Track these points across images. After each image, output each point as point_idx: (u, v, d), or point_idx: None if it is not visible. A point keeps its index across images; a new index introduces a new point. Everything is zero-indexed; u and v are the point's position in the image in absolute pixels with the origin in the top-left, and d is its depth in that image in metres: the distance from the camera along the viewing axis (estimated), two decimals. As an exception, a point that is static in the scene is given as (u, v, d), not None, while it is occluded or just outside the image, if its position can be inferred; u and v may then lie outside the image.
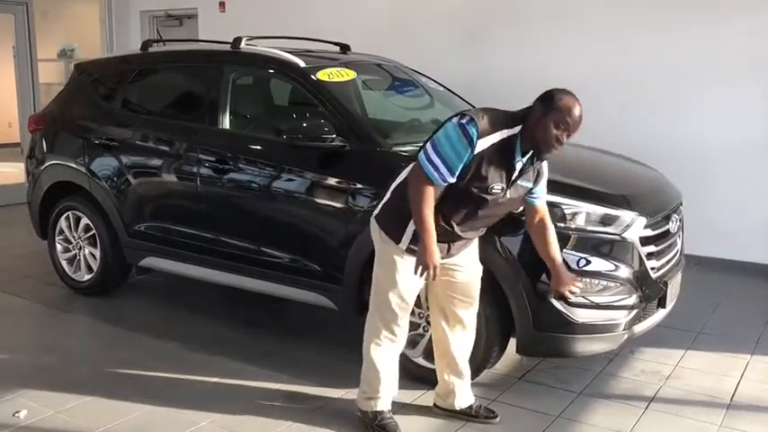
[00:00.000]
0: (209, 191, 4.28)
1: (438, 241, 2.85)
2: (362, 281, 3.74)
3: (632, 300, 3.43)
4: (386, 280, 3.06)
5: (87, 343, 4.34)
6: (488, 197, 2.87)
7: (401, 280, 3.03)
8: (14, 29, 8.17)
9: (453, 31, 6.86)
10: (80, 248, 5.05)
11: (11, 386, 3.58)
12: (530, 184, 2.99)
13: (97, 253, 4.93)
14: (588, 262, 3.33)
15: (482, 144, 2.76)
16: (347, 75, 4.30)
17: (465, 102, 5.02)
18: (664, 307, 3.68)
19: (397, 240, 2.99)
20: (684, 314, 4.33)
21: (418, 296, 3.54)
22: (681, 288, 3.91)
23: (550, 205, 3.27)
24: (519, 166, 2.87)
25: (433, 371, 3.53)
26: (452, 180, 2.80)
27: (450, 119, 2.84)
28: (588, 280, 3.34)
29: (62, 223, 5.11)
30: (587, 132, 5.68)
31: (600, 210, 3.42)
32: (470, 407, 3.36)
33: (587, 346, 3.41)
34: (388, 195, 3.11)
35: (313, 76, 4.11)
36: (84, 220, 4.96)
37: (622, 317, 3.42)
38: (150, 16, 9.20)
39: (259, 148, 4.22)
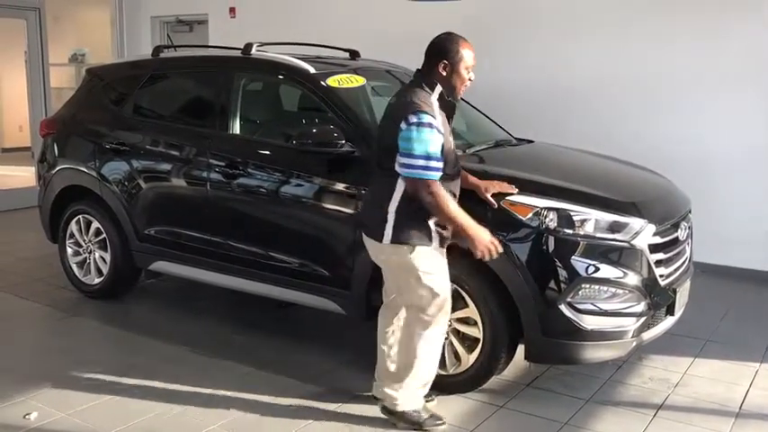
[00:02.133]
0: (219, 195, 4.31)
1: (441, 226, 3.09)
2: (371, 286, 3.77)
3: (641, 307, 3.43)
4: (426, 277, 3.11)
5: (97, 346, 4.36)
6: (452, 151, 3.17)
7: (439, 272, 3.16)
8: (26, 34, 8.23)
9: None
10: (90, 252, 5.08)
11: (21, 389, 3.61)
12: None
13: (107, 257, 4.96)
14: (597, 269, 3.33)
15: (437, 117, 3.04)
16: (357, 81, 4.32)
17: (474, 108, 5.04)
18: (672, 314, 3.68)
19: (429, 240, 3.10)
20: (693, 322, 4.33)
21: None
22: (689, 296, 3.90)
23: (560, 211, 3.32)
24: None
25: (443, 376, 3.56)
26: (441, 163, 3.00)
27: (404, 124, 2.97)
28: (597, 287, 3.35)
29: (73, 227, 5.14)
30: (594, 138, 5.83)
31: (609, 217, 3.42)
32: None
33: (596, 353, 3.41)
34: (393, 217, 3.08)
35: (323, 82, 4.13)
36: (95, 224, 4.99)
37: (631, 324, 3.42)
38: (161, 22, 9.26)
39: (269, 153, 4.25)
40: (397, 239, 3.09)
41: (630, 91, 6.12)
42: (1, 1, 8.01)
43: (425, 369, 3.27)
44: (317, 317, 4.36)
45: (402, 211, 3.07)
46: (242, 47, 4.54)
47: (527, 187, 3.48)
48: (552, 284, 3.33)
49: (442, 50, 3.11)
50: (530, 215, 3.36)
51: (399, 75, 4.98)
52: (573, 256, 3.32)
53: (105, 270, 4.99)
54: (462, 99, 5.03)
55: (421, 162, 2.94)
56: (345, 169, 3.86)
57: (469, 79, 3.16)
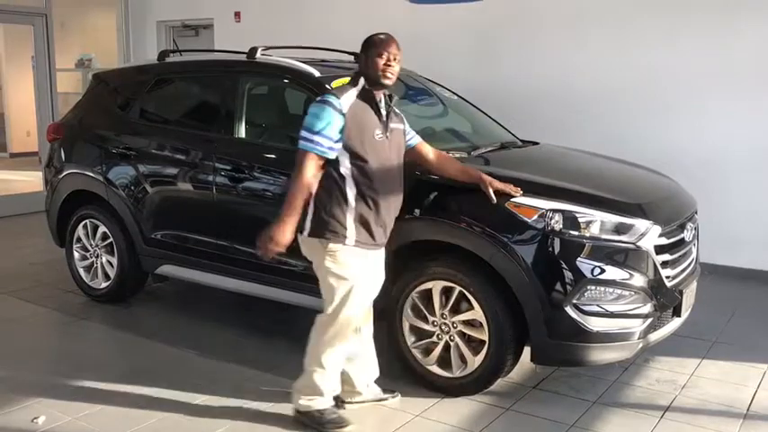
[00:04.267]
0: (224, 199, 4.32)
1: (366, 228, 3.12)
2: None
3: (647, 308, 3.43)
4: (342, 279, 3.13)
5: (104, 350, 4.38)
6: (377, 143, 3.15)
7: (359, 275, 3.16)
8: (33, 39, 8.27)
9: (468, 41, 6.89)
10: (97, 256, 5.10)
11: (29, 392, 3.62)
12: (402, 125, 3.36)
13: (114, 261, 4.98)
14: (603, 270, 3.33)
15: (346, 102, 3.10)
16: (361, 84, 4.32)
17: (479, 110, 5.05)
18: (679, 316, 3.67)
19: (344, 238, 3.10)
20: (699, 323, 4.32)
21: (432, 303, 3.58)
22: (696, 297, 3.89)
23: (565, 213, 3.33)
24: (384, 109, 3.23)
25: (449, 378, 3.57)
26: (335, 146, 3.06)
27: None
28: (603, 288, 3.34)
29: (80, 231, 5.16)
30: (600, 139, 5.82)
31: (614, 218, 3.42)
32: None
33: (602, 354, 3.41)
34: (312, 209, 3.13)
35: (327, 86, 4.13)
36: (102, 229, 5.01)
37: (637, 326, 3.41)
38: (167, 26, 9.29)
39: (274, 157, 4.25)
40: (313, 233, 3.13)
41: (637, 92, 6.12)
42: (8, 7, 8.06)
43: (325, 380, 3.24)
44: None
45: (319, 200, 3.10)
46: (247, 51, 4.56)
47: (532, 189, 3.47)
48: (558, 286, 3.33)
49: (362, 49, 3.25)
50: (535, 217, 3.36)
51: (404, 77, 4.99)
52: (578, 258, 3.32)
53: (112, 274, 5.01)
54: (467, 101, 5.09)
55: (306, 134, 3.05)
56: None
57: (386, 63, 3.15)
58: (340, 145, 3.08)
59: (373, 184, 3.13)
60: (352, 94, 3.16)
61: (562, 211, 3.36)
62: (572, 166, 4.23)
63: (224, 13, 8.49)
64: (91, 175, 5.00)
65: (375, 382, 3.54)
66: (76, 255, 5.21)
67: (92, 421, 3.35)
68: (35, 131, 8.86)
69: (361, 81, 3.21)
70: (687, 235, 3.75)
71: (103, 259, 5.06)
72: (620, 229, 3.42)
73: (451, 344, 3.58)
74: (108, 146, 4.93)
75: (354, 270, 3.14)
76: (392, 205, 3.25)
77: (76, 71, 11.58)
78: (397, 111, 3.36)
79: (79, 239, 5.18)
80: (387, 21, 7.25)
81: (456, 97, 5.09)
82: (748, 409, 3.55)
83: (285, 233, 3.03)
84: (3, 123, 12.49)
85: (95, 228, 5.07)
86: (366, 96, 3.18)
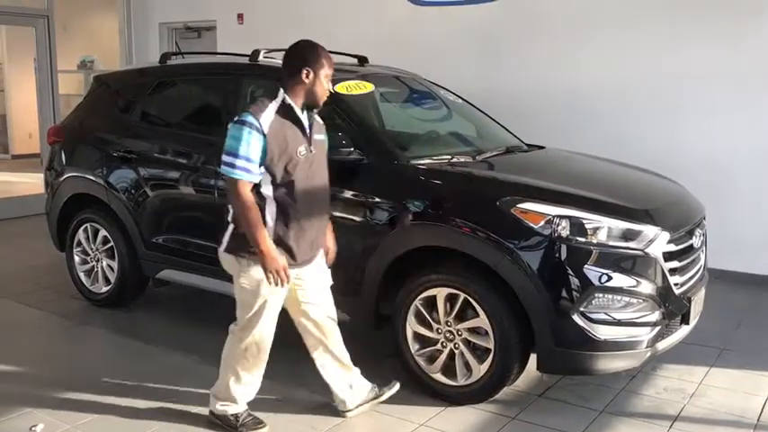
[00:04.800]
0: (226, 203, 4.25)
1: (285, 248, 3.03)
2: (380, 294, 3.73)
3: (655, 316, 3.37)
4: (255, 296, 3.09)
5: (104, 356, 4.33)
6: (300, 160, 3.02)
7: (273, 293, 3.09)
8: (35, 41, 8.23)
9: (471, 43, 6.83)
10: (98, 260, 5.05)
11: (28, 400, 3.58)
12: (323, 136, 3.23)
13: (115, 265, 4.93)
14: (610, 278, 3.27)
15: (265, 120, 2.92)
16: (365, 87, 4.28)
17: (484, 114, 4.99)
18: (687, 323, 3.61)
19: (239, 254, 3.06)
20: (707, 330, 4.26)
21: (436, 310, 3.53)
22: (704, 304, 3.83)
23: (572, 219, 3.27)
24: (306, 121, 3.08)
25: (454, 387, 3.52)
26: (257, 169, 2.93)
27: (230, 122, 2.95)
28: (611, 296, 3.29)
29: (80, 235, 5.11)
30: (605, 143, 5.77)
31: (622, 224, 3.36)
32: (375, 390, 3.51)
33: (609, 363, 3.35)
34: (231, 226, 3.08)
35: (331, 89, 4.08)
36: (102, 232, 4.96)
37: (645, 334, 3.35)
38: (169, 28, 9.25)
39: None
40: (229, 249, 3.08)
41: (641, 94, 6.05)
42: (10, 9, 8.03)
43: (238, 388, 3.28)
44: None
45: (238, 219, 3.01)
46: (249, 53, 4.51)
47: (539, 194, 3.43)
48: (565, 294, 3.27)
49: (301, 60, 3.04)
50: (542, 223, 3.30)
51: (408, 81, 4.95)
52: (586, 265, 3.26)
53: (113, 278, 4.96)
54: (471, 104, 5.04)
55: (228, 158, 2.90)
56: (354, 177, 3.81)
57: (329, 90, 3.11)
58: (262, 168, 2.95)
59: (297, 205, 3.03)
60: (272, 110, 2.97)
61: (569, 218, 3.30)
62: (578, 171, 4.18)
63: (227, 14, 8.45)
64: (91, 178, 4.95)
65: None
66: (77, 259, 5.17)
67: (91, 429, 3.31)
68: (37, 133, 8.83)
69: (281, 94, 3.02)
70: (695, 241, 3.69)
71: (104, 263, 5.02)
72: (628, 236, 3.36)
73: (456, 352, 3.53)
74: (109, 149, 4.88)
75: (268, 289, 3.04)
76: (319, 220, 3.19)
77: (79, 73, 11.60)
78: (318, 119, 3.22)
79: (80, 243, 5.14)
80: (389, 22, 7.24)
81: (460, 101, 5.04)
82: (759, 419, 3.48)
83: (271, 256, 2.94)
84: (5, 125, 12.47)
85: (96, 232, 5.02)
86: (286, 112, 3.00)
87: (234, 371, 3.25)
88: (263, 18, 8.17)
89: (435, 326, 3.58)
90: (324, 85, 3.06)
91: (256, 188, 2.98)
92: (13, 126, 12.30)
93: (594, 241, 3.31)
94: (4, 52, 12.21)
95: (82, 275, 5.15)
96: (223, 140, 2.96)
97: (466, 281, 3.45)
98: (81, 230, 5.10)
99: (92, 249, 5.07)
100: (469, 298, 3.44)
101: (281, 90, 3.04)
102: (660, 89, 5.98)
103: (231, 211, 3.06)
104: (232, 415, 3.30)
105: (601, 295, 3.27)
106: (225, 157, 2.92)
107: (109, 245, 4.95)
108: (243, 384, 3.28)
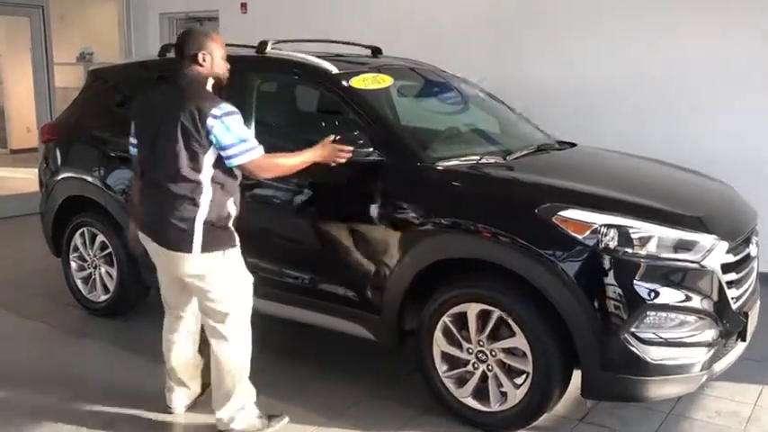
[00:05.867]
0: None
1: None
2: (403, 309, 3.40)
3: (712, 335, 3.04)
4: (241, 288, 3.16)
5: (100, 372, 3.97)
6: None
7: (247, 278, 3.20)
8: (30, 32, 7.87)
9: (482, 35, 6.43)
10: (95, 267, 4.72)
11: (23, 420, 3.34)
12: None
13: (114, 272, 4.60)
14: (663, 294, 2.92)
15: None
16: (384, 81, 3.93)
17: (505, 105, 4.64)
18: (744, 340, 3.27)
19: (234, 244, 3.11)
20: (756, 343, 3.89)
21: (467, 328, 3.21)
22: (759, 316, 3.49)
23: (620, 228, 2.94)
24: None
25: (487, 413, 3.21)
26: None
27: (209, 117, 2.90)
28: (664, 314, 2.94)
29: (77, 240, 4.78)
30: (625, 140, 5.39)
31: (674, 233, 3.01)
32: None
33: (661, 389, 3.01)
34: (201, 228, 3.00)
35: (346, 83, 3.74)
36: (100, 238, 4.63)
37: (701, 355, 3.02)
38: (170, 18, 8.89)
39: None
40: (210, 247, 3.03)
41: (665, 89, 5.66)
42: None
43: (250, 394, 3.27)
44: (343, 341, 3.95)
45: (211, 216, 3.01)
46: (256, 45, 4.16)
47: (582, 201, 3.08)
48: (612, 312, 2.93)
49: (197, 45, 3.09)
50: (586, 233, 2.96)
51: (425, 72, 4.59)
52: (636, 280, 2.92)
53: (112, 286, 4.64)
54: (495, 98, 4.68)
55: (249, 143, 3.00)
56: (372, 179, 3.48)
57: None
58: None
59: (237, 188, 3.14)
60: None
61: (617, 227, 2.96)
62: (619, 173, 3.83)
63: (230, 3, 8.07)
64: (88, 179, 4.62)
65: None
66: (73, 265, 4.83)
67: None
68: (35, 127, 8.48)
69: (210, 81, 3.13)
70: (753, 250, 3.35)
71: (102, 270, 4.68)
72: (682, 246, 3.02)
73: (489, 374, 3.20)
74: (106, 148, 4.55)
75: (244, 268, 3.18)
76: None
77: (77, 65, 11.24)
78: None
79: (76, 249, 4.80)
80: (401, 12, 6.87)
81: (482, 93, 4.68)
82: (824, 448, 3.15)
83: (319, 150, 3.24)
84: (3, 119, 12.15)
85: (93, 236, 4.69)
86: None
87: (245, 376, 3.21)
88: (268, 7, 7.79)
89: (466, 345, 3.25)
90: (224, 66, 3.18)
91: (220, 180, 3.02)
92: (11, 120, 11.96)
93: (643, 253, 2.96)
94: (3, 44, 11.88)
95: (79, 283, 4.82)
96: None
97: (501, 296, 3.11)
98: (77, 235, 4.77)
99: (89, 255, 4.73)
100: (504, 315, 3.10)
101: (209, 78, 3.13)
102: (679, 82, 5.58)
103: (199, 211, 2.99)
104: (258, 417, 3.24)
105: (653, 313, 2.93)
106: (246, 144, 2.97)
107: (107, 251, 4.62)
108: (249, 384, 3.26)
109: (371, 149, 3.41)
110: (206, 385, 3.47)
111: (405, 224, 3.35)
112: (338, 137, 3.38)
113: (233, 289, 3.12)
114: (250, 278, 3.22)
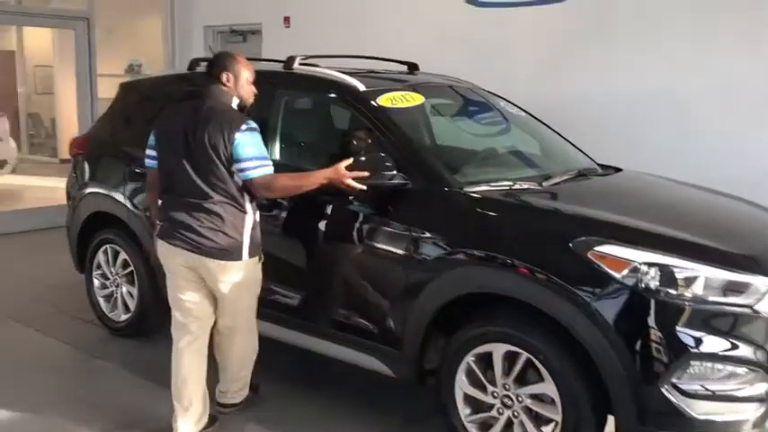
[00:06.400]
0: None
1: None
2: (425, 345, 3.17)
3: (765, 389, 2.71)
4: (258, 287, 3.36)
5: (114, 398, 3.81)
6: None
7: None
8: (74, 44, 7.91)
9: (534, 49, 6.15)
10: (117, 285, 4.61)
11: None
12: None
13: (135, 291, 4.48)
14: (711, 342, 2.63)
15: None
16: (413, 99, 3.73)
17: (548, 127, 4.38)
18: (798, 391, 2.93)
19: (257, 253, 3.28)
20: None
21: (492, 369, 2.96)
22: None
23: (663, 267, 2.66)
24: None
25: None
26: None
27: (237, 131, 3.07)
28: (711, 365, 2.64)
29: (100, 257, 4.68)
30: (674, 160, 5.03)
31: (724, 274, 2.71)
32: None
33: (706, 448, 2.71)
34: (249, 234, 3.18)
35: (373, 102, 3.55)
36: (123, 255, 4.52)
37: (752, 410, 2.70)
38: (214, 31, 8.85)
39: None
40: (252, 253, 3.22)
41: (714, 105, 5.24)
42: (50, 11, 7.74)
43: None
44: (359, 372, 3.72)
45: (248, 223, 3.19)
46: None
47: (621, 235, 2.81)
48: (653, 360, 2.64)
49: (225, 66, 3.26)
50: (625, 271, 2.68)
51: (463, 91, 4.37)
52: (679, 325, 2.63)
53: (133, 306, 4.51)
54: (535, 117, 4.42)
55: (263, 160, 3.15)
56: (396, 204, 3.27)
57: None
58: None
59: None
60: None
61: (659, 265, 2.68)
62: (665, 202, 3.52)
63: (273, 17, 7.97)
64: (112, 195, 4.52)
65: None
66: (96, 282, 4.74)
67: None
68: (79, 138, 8.52)
69: (235, 100, 3.28)
70: (812, 293, 3.01)
71: (124, 289, 4.57)
72: (732, 289, 2.71)
73: (515, 420, 2.94)
74: (131, 164, 4.43)
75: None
76: None
77: (126, 77, 11.34)
78: None
79: (99, 266, 4.70)
80: (444, 25, 6.64)
81: (522, 113, 4.43)
82: None
83: (332, 173, 3.16)
84: (54, 129, 12.35)
85: (116, 254, 4.58)
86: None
87: (252, 360, 3.52)
88: (311, 21, 7.66)
89: (490, 388, 2.99)
90: (251, 91, 3.34)
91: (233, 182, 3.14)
92: (61, 130, 12.14)
93: (690, 295, 2.67)
94: (56, 56, 12.09)
95: (101, 301, 4.72)
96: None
97: (528, 337, 2.85)
98: (101, 252, 4.67)
99: (111, 273, 4.63)
100: (533, 358, 2.84)
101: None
102: (736, 99, 5.20)
103: (247, 217, 3.17)
104: (252, 385, 3.62)
105: (698, 363, 2.64)
106: (259, 161, 3.10)
107: (129, 269, 4.50)
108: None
109: (395, 172, 3.20)
110: (213, 418, 3.39)
111: (428, 253, 3.12)
112: (361, 158, 3.19)
113: (255, 289, 3.35)
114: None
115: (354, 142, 3.65)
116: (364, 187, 3.17)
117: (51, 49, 12.30)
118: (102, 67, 8.76)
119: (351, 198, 3.36)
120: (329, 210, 3.50)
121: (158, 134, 3.28)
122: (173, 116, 3.27)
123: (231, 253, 3.13)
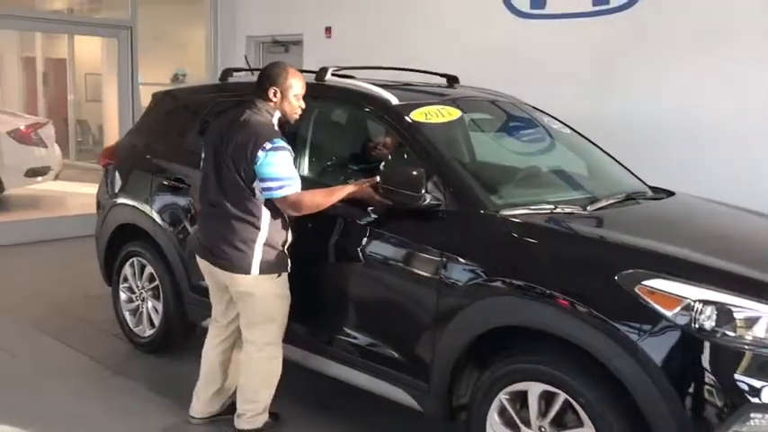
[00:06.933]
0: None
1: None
2: (455, 379, 2.94)
3: (832, 446, 2.42)
4: (283, 307, 3.29)
5: (131, 419, 3.67)
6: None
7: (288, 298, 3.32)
8: (117, 53, 7.91)
9: (583, 63, 5.87)
10: (143, 300, 4.48)
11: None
12: None
13: (160, 307, 4.34)
14: (773, 392, 2.35)
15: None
16: (450, 114, 3.52)
17: (594, 144, 4.12)
18: None
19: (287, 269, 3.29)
20: None
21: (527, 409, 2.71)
22: None
23: (720, 306, 2.40)
24: None
25: None
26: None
27: (260, 149, 3.02)
28: (772, 418, 2.36)
29: (127, 270, 4.57)
30: (734, 183, 4.67)
31: (789, 316, 2.43)
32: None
33: None
34: (260, 250, 3.15)
35: (407, 117, 3.35)
36: (149, 269, 4.40)
37: (818, 469, 2.40)
38: (256, 42, 8.79)
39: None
40: (266, 270, 3.19)
41: None
42: (93, 20, 7.76)
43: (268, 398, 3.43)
44: (386, 404, 3.50)
45: (270, 240, 3.17)
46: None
47: (673, 268, 2.54)
48: (706, 410, 2.37)
49: (273, 80, 3.20)
50: (676, 309, 2.42)
51: (505, 105, 4.14)
52: (738, 372, 2.36)
53: (157, 321, 4.38)
54: (582, 135, 4.15)
55: (285, 182, 3.08)
56: (428, 226, 3.06)
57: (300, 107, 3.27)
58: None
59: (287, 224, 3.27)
60: (277, 127, 3.20)
61: (716, 303, 2.41)
62: (723, 231, 3.23)
63: (314, 28, 7.86)
64: (140, 207, 4.40)
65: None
66: (122, 296, 4.63)
67: None
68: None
69: (277, 114, 3.22)
70: None
71: (149, 304, 4.44)
72: (799, 332, 2.43)
73: (549, 468, 2.68)
74: (160, 176, 4.32)
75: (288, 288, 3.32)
76: None
77: (171, 86, 11.37)
78: None
79: (126, 279, 4.59)
80: (488, 37, 6.41)
81: (568, 130, 4.17)
82: None
83: (357, 190, 3.17)
84: (101, 136, 12.50)
85: (142, 267, 4.46)
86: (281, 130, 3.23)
87: (274, 383, 3.37)
88: (353, 33, 7.51)
89: (525, 429, 2.74)
90: (296, 108, 3.26)
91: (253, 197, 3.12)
92: (107, 136, 12.27)
93: (751, 338, 2.40)
94: (105, 63, 12.22)
95: (127, 315, 4.60)
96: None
97: (567, 377, 2.60)
98: (128, 265, 4.56)
99: (137, 287, 4.51)
100: (571, 400, 2.59)
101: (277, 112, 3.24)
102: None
103: (260, 233, 3.14)
104: (271, 414, 3.45)
105: (759, 416, 2.35)
106: (282, 181, 3.04)
107: (155, 283, 4.37)
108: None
109: (425, 192, 2.98)
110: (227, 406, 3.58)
111: (459, 277, 2.90)
112: (393, 174, 3.01)
113: (277, 307, 3.27)
114: (289, 298, 3.32)
115: (385, 155, 3.50)
116: (390, 202, 3.04)
117: (100, 58, 12.46)
118: (149, 75, 8.78)
119: (377, 217, 3.17)
120: (359, 230, 3.30)
121: (204, 140, 3.40)
122: (217, 123, 3.35)
123: (238, 266, 3.16)
